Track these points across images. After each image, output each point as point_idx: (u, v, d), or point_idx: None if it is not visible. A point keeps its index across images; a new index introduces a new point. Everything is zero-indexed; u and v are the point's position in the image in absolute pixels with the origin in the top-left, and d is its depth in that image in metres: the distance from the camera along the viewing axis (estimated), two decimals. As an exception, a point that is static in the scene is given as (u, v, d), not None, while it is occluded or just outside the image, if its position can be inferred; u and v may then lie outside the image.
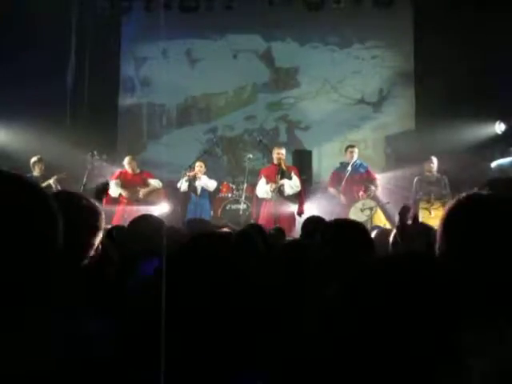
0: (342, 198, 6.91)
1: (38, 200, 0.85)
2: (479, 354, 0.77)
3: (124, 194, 7.17)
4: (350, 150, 7.15)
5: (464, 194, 0.86)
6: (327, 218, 7.07)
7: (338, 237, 2.17)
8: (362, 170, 7.05)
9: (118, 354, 0.99)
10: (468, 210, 0.83)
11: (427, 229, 2.06)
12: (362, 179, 7.00)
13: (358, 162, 7.15)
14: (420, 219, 6.29)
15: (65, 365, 0.80)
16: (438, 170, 6.99)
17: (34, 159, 7.05)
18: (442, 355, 0.79)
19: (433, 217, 6.36)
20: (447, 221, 0.86)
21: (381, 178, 7.46)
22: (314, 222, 3.26)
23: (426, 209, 6.69)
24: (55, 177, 6.90)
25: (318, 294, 1.88)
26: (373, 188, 6.86)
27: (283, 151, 6.94)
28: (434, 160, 6.94)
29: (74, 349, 0.83)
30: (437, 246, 0.86)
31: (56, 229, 0.85)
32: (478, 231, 0.79)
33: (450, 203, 0.87)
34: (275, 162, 6.90)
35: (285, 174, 6.82)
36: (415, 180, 7.10)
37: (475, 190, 0.84)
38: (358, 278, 0.83)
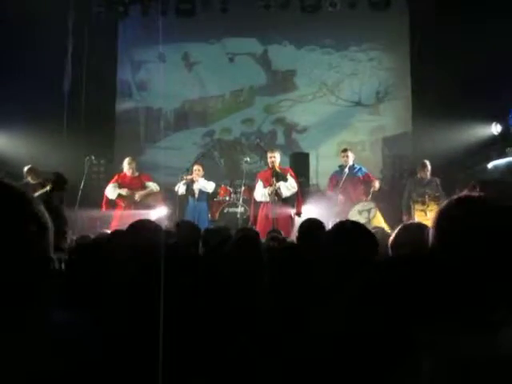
0: (340, 200, 6.92)
1: (24, 204, 0.86)
2: (433, 351, 0.79)
3: (122, 196, 7.15)
4: (342, 154, 7.23)
5: (456, 195, 0.87)
6: (325, 220, 7.11)
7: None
8: (359, 175, 7.07)
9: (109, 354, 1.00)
10: (458, 210, 0.84)
11: (422, 228, 2.07)
12: (359, 183, 7.01)
13: (356, 166, 7.17)
14: (416, 220, 6.27)
15: (64, 364, 0.81)
16: (430, 172, 7.03)
17: (24, 169, 7.04)
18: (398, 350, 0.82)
19: (428, 218, 6.38)
20: (438, 220, 0.87)
21: (378, 180, 7.48)
22: (311, 225, 3.26)
23: (421, 210, 6.71)
24: (51, 184, 6.86)
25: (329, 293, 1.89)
26: (372, 189, 6.88)
27: (276, 154, 6.97)
28: (428, 165, 6.97)
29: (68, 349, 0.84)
30: (429, 244, 0.88)
31: (45, 232, 0.87)
32: (467, 231, 0.81)
33: (443, 204, 0.89)
34: (270, 165, 6.94)
35: (279, 177, 6.84)
36: (408, 181, 7.16)
37: (466, 191, 0.85)
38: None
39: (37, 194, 6.49)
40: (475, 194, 0.84)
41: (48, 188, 6.79)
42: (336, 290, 1.96)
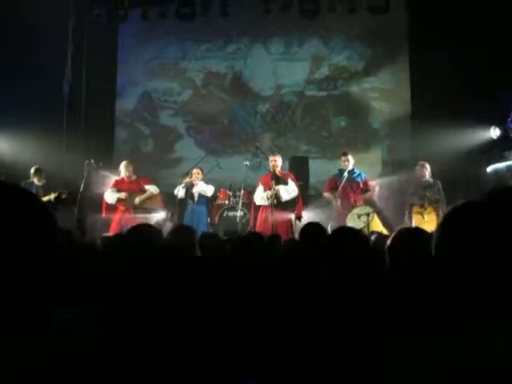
0: (339, 203, 6.92)
1: (35, 207, 0.87)
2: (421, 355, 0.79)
3: (121, 200, 7.13)
4: (343, 158, 7.22)
5: (463, 200, 0.87)
6: (324, 224, 7.12)
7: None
8: (358, 180, 7.07)
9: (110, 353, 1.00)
10: (466, 215, 0.84)
11: (421, 233, 2.08)
12: (358, 188, 7.02)
13: (356, 170, 7.17)
14: (413, 224, 6.26)
15: (63, 364, 0.81)
16: (432, 175, 7.02)
17: (32, 170, 7.05)
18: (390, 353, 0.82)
19: (426, 221, 6.40)
20: (444, 225, 0.87)
21: (377, 184, 7.50)
22: (313, 229, 3.26)
23: (419, 213, 6.71)
24: (56, 194, 6.85)
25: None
26: (369, 194, 6.89)
27: (277, 158, 6.98)
28: (426, 165, 6.97)
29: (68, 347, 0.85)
30: (433, 249, 0.88)
31: (54, 234, 0.88)
32: (474, 237, 0.81)
33: (450, 207, 0.89)
34: (271, 169, 6.95)
35: (280, 180, 6.85)
36: (410, 185, 7.13)
37: (478, 196, 0.85)
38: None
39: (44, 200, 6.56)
40: (481, 199, 0.85)
41: (52, 196, 6.82)
42: (337, 293, 1.97)
